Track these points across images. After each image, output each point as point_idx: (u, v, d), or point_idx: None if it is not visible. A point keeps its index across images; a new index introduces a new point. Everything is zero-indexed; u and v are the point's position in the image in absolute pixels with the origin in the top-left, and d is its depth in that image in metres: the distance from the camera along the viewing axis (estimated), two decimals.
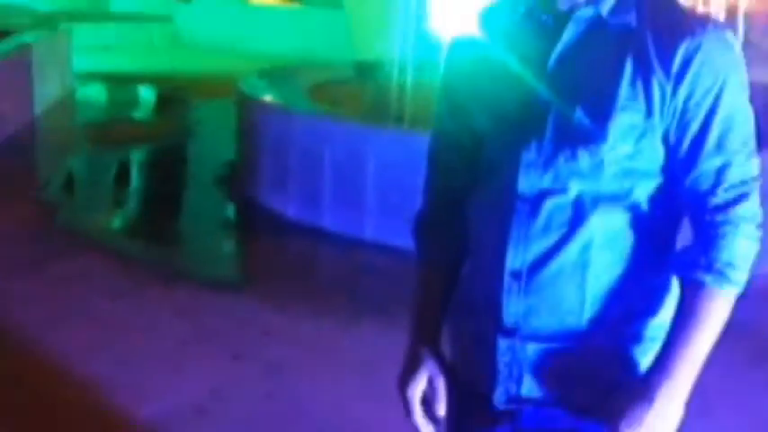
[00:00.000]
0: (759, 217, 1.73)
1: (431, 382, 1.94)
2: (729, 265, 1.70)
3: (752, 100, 1.75)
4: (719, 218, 1.71)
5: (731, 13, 8.69)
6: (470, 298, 1.91)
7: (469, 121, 1.87)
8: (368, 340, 4.75)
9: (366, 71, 8.89)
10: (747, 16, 8.93)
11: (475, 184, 1.89)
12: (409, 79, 7.62)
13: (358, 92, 8.36)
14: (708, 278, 1.70)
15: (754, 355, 4.71)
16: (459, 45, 1.94)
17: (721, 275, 1.70)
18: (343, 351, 4.66)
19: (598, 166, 1.70)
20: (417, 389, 1.94)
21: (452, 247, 1.97)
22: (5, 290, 5.21)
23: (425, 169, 2.04)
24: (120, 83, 12.93)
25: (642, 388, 1.72)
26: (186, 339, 4.72)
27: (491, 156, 1.83)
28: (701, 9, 8.24)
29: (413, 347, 1.98)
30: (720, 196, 1.71)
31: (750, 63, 1.77)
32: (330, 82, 8.37)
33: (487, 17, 1.90)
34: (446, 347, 1.99)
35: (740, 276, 1.71)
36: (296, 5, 17.76)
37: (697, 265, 1.71)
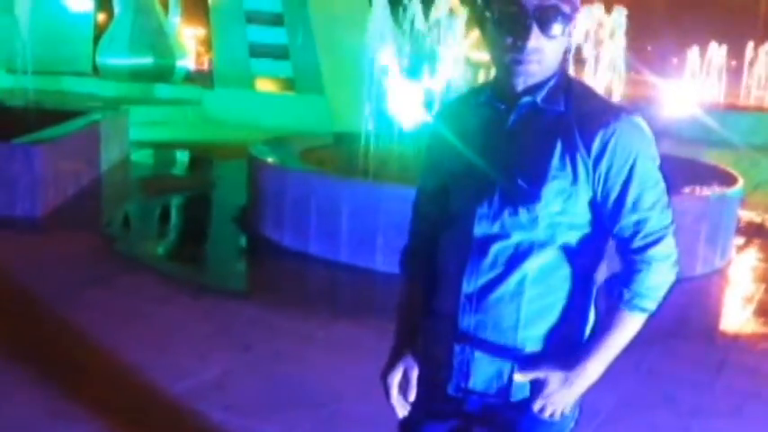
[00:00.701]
0: (674, 255, 1.70)
1: (405, 374, 1.90)
2: (642, 296, 1.68)
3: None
4: (637, 258, 1.68)
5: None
6: (437, 311, 1.84)
7: (443, 181, 1.83)
8: (343, 334, 4.71)
9: (342, 139, 8.89)
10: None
11: (442, 227, 1.85)
12: (373, 146, 7.63)
13: (336, 155, 8.35)
14: (622, 305, 1.68)
15: (627, 346, 4.69)
16: (440, 119, 1.89)
17: (632, 305, 1.68)
18: (325, 342, 4.60)
19: (534, 220, 1.66)
20: (395, 378, 1.90)
21: (425, 275, 1.91)
22: (79, 298, 5.11)
23: (411, 216, 1.99)
24: (163, 148, 12.83)
25: (562, 377, 1.69)
26: (209, 334, 4.64)
27: (455, 208, 1.78)
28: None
29: (395, 347, 1.93)
30: (637, 242, 1.67)
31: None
32: (315, 147, 8.35)
33: (447, 108, 1.89)
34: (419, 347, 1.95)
35: (649, 304, 1.69)
36: (290, 93, 17.78)
37: (617, 295, 1.69)
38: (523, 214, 1.66)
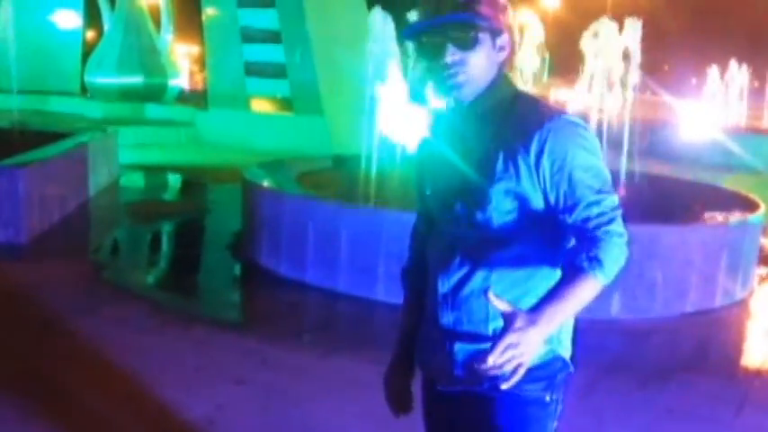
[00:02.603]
0: (626, 235, 1.85)
1: (404, 377, 2.19)
2: (602, 260, 1.80)
3: None
4: (598, 232, 1.82)
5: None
6: (426, 315, 2.06)
7: (428, 199, 2.06)
8: (340, 368, 4.72)
9: (341, 163, 8.94)
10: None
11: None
12: (374, 169, 7.68)
13: (335, 178, 8.40)
14: (585, 264, 1.80)
15: (639, 381, 4.69)
16: (421, 145, 2.12)
17: (596, 266, 1.80)
18: (322, 376, 4.61)
19: (488, 220, 1.87)
20: (395, 382, 2.20)
21: (421, 287, 2.12)
22: (65, 328, 5.15)
23: (410, 237, 2.24)
24: (154, 172, 12.90)
25: (527, 316, 1.74)
26: (200, 366, 4.65)
27: (434, 218, 2.05)
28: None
29: (396, 353, 2.22)
30: (596, 220, 1.83)
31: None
32: (313, 171, 8.41)
33: (431, 123, 2.09)
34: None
35: (608, 271, 1.81)
36: (288, 113, 17.89)
37: (579, 257, 1.82)
38: (479, 215, 1.88)
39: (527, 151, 1.83)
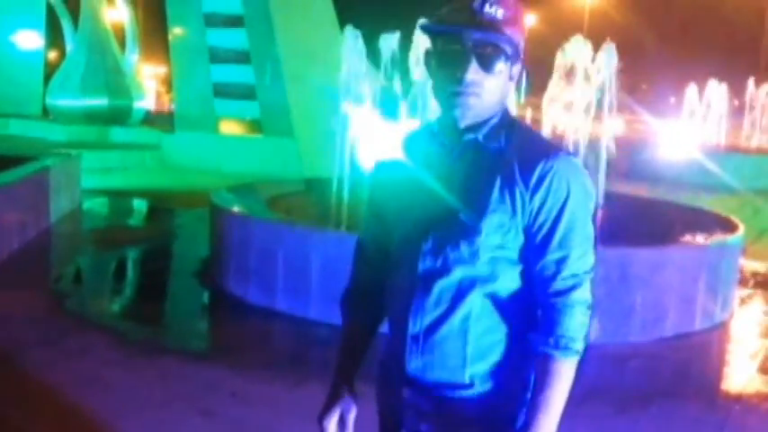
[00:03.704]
0: (590, 301, 1.84)
1: (342, 417, 2.00)
2: (570, 339, 1.80)
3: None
4: (559, 300, 1.81)
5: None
6: (388, 356, 1.98)
7: (387, 224, 1.96)
8: (313, 398, 4.68)
9: (312, 186, 8.97)
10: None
11: (387, 271, 1.98)
12: (346, 193, 7.71)
13: (306, 202, 8.42)
14: (555, 352, 1.80)
15: (617, 407, 4.74)
16: (382, 166, 2.03)
17: (566, 349, 1.80)
18: (294, 407, 4.59)
19: (475, 254, 1.80)
20: (332, 421, 2.00)
21: (366, 317, 2.08)
22: (24, 361, 5.10)
23: (352, 259, 2.12)
24: (119, 197, 12.86)
25: None
26: (166, 399, 4.62)
27: (399, 247, 1.92)
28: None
29: (333, 388, 2.04)
30: (560, 283, 1.81)
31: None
32: (283, 195, 8.41)
33: (403, 143, 2.01)
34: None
35: (579, 346, 1.82)
36: (257, 135, 17.91)
37: (546, 343, 1.80)
38: (465, 248, 1.81)
39: (526, 184, 1.79)
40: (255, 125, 18.10)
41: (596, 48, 8.70)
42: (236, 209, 7.25)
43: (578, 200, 1.81)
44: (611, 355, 5.57)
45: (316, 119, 14.09)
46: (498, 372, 1.85)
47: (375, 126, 8.86)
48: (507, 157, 1.82)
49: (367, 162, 8.07)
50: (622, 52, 8.82)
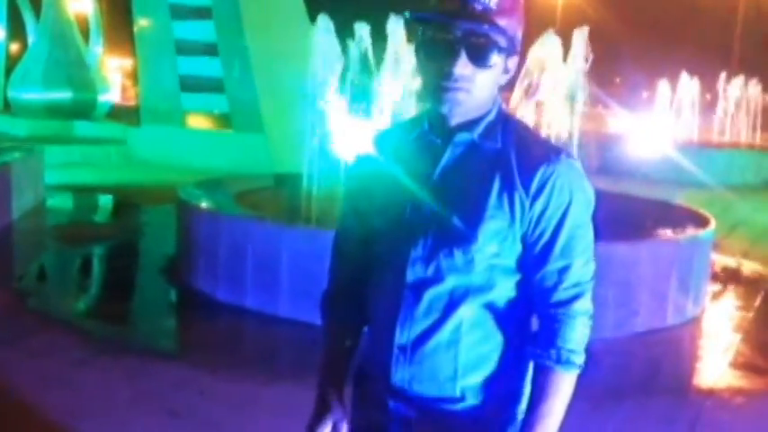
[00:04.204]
0: (591, 311, 1.79)
1: (335, 427, 1.89)
2: (572, 351, 1.75)
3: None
4: (560, 311, 1.75)
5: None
6: (368, 366, 1.90)
7: (368, 221, 1.86)
8: (284, 396, 4.70)
9: (281, 181, 8.95)
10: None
11: (369, 270, 1.89)
12: (316, 188, 7.70)
13: (275, 198, 8.40)
14: (556, 365, 1.75)
15: (590, 403, 4.77)
16: (363, 160, 1.92)
17: (567, 361, 1.75)
18: (262, 406, 4.60)
19: (470, 262, 1.72)
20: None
21: (351, 318, 1.96)
22: None
23: (330, 257, 2.03)
24: (83, 193, 12.74)
25: None
26: (133, 399, 4.60)
27: (384, 252, 1.82)
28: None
29: (321, 397, 1.92)
30: (559, 295, 1.75)
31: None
32: (252, 190, 8.39)
33: (382, 138, 1.92)
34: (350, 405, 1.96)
35: (580, 359, 1.77)
36: (226, 130, 17.81)
37: (546, 356, 1.75)
38: (459, 256, 1.72)
39: (526, 189, 1.71)
40: (224, 120, 17.99)
41: (568, 44, 8.77)
42: (203, 204, 7.22)
43: (580, 206, 1.74)
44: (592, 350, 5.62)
45: (285, 113, 14.03)
46: (490, 384, 1.79)
47: (346, 122, 8.85)
48: (505, 158, 1.73)
49: (338, 157, 8.07)
50: (595, 45, 8.89)
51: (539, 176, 1.71)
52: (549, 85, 8.53)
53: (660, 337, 6.26)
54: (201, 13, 17.44)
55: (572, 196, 1.73)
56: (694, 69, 23.08)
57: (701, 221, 7.42)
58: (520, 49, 1.78)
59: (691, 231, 7.12)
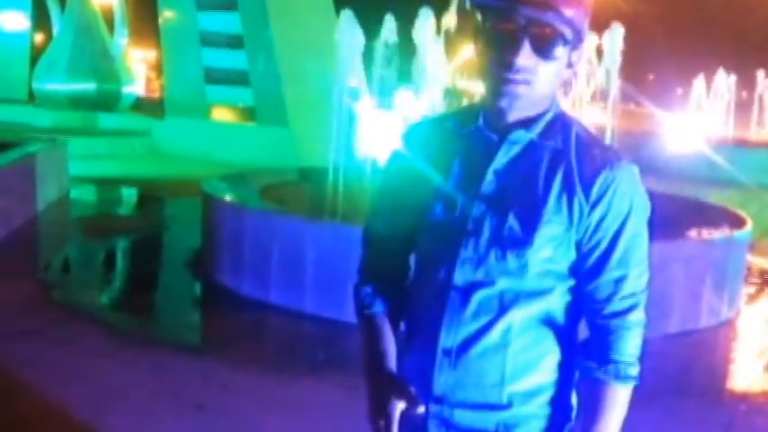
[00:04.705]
0: (645, 321, 1.75)
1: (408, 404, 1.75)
2: (629, 364, 1.72)
3: None
4: (615, 322, 1.72)
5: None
6: (403, 371, 1.82)
7: (407, 219, 1.80)
8: (308, 393, 4.74)
9: (307, 175, 8.98)
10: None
11: (405, 268, 1.88)
12: (341, 182, 7.72)
13: (300, 192, 8.43)
14: (614, 381, 1.72)
15: (651, 395, 4.77)
16: (403, 154, 1.85)
17: (622, 374, 1.72)
18: (288, 402, 4.63)
19: (523, 267, 1.67)
20: (397, 410, 1.71)
21: (390, 304, 1.90)
22: (13, 351, 5.13)
23: (361, 252, 1.97)
24: (108, 185, 12.86)
25: None
26: (156, 392, 4.66)
27: (429, 251, 1.78)
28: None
29: (375, 383, 1.79)
30: (617, 304, 1.72)
31: None
32: (277, 184, 8.42)
33: (423, 132, 1.85)
34: None
35: (636, 371, 1.73)
36: (250, 123, 17.89)
37: (602, 370, 1.72)
38: (512, 260, 1.67)
39: (586, 196, 1.66)
40: (248, 112, 18.07)
41: (601, 38, 8.71)
42: (228, 198, 7.25)
43: (639, 214, 1.70)
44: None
45: (311, 107, 14.09)
46: (538, 392, 1.75)
47: (372, 115, 8.86)
48: (566, 160, 1.68)
49: (364, 151, 8.08)
50: (628, 41, 8.83)
51: (600, 182, 1.67)
52: (581, 82, 8.49)
53: (694, 339, 6.22)
54: (227, 5, 17.50)
55: (632, 204, 1.69)
56: (731, 66, 22.82)
57: (737, 221, 7.35)
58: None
59: (726, 231, 7.05)
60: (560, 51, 1.64)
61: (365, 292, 1.93)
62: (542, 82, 1.64)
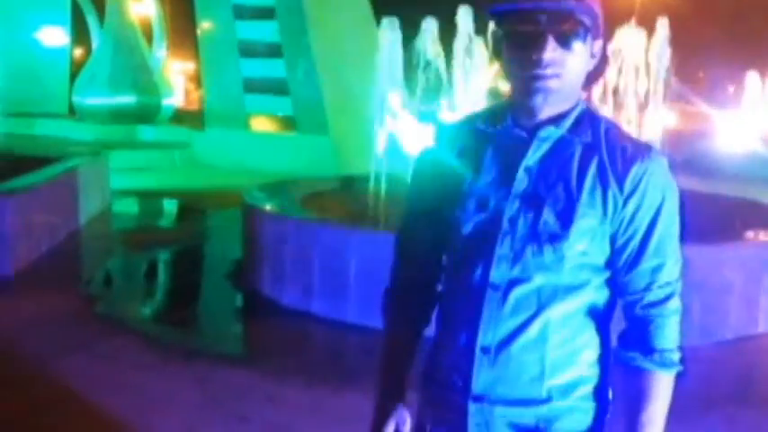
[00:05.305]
0: (681, 309, 1.81)
1: (397, 430, 1.94)
2: (670, 350, 1.78)
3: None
4: (654, 311, 1.78)
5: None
6: (439, 371, 1.88)
7: (440, 220, 1.85)
8: (353, 404, 4.73)
9: (348, 184, 9.02)
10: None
11: (436, 271, 1.93)
12: (383, 190, 7.74)
13: (341, 201, 8.46)
14: (659, 369, 1.77)
15: (675, 414, 4.70)
16: (433, 155, 1.91)
17: (667, 361, 1.77)
18: (332, 414, 4.64)
19: (560, 261, 1.72)
20: None
21: (413, 319, 2.00)
22: (59, 364, 5.23)
23: (393, 257, 2.04)
24: (149, 197, 13.03)
25: None
26: (201, 404, 4.71)
27: (464, 250, 1.82)
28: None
29: (381, 403, 1.97)
30: (655, 293, 1.77)
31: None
32: (318, 193, 8.47)
33: (452, 132, 1.91)
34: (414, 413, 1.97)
35: (678, 357, 1.78)
36: (290, 133, 17.99)
37: (647, 359, 1.77)
38: (548, 254, 1.72)
39: (620, 188, 1.72)
40: (288, 122, 18.17)
41: (649, 35, 8.62)
42: (269, 208, 7.31)
43: (672, 204, 1.77)
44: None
45: (351, 115, 14.15)
46: (577, 386, 1.80)
47: (413, 122, 8.88)
48: (597, 154, 1.74)
49: (406, 158, 8.09)
50: (677, 37, 8.72)
51: (632, 174, 1.72)
52: (630, 80, 8.41)
53: (750, 346, 6.11)
54: (265, 14, 17.64)
55: (665, 194, 1.75)
56: None
57: None
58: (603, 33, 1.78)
59: None
60: (582, 41, 1.70)
61: (390, 300, 2.02)
62: (571, 74, 1.71)
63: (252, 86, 18.27)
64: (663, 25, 8.68)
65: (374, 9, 17.70)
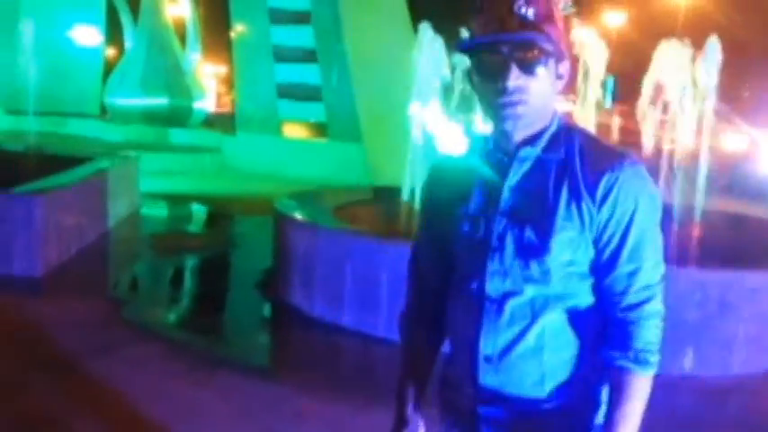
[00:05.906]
0: (663, 312, 1.91)
1: None
2: (648, 351, 1.87)
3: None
4: (632, 314, 1.88)
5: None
6: (453, 377, 2.05)
7: (442, 238, 2.03)
8: (383, 421, 4.70)
9: (382, 194, 9.01)
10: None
11: (446, 286, 2.05)
12: (417, 200, 7.72)
13: (374, 211, 8.45)
14: (634, 365, 1.87)
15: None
16: (434, 178, 2.11)
17: (645, 361, 1.87)
18: (360, 430, 4.62)
19: (546, 273, 1.87)
20: None
21: (429, 339, 2.14)
22: (81, 370, 5.26)
23: (407, 277, 2.18)
24: (178, 201, 13.12)
25: None
26: (226, 417, 4.71)
27: (462, 266, 1.99)
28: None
29: (399, 413, 2.12)
30: (632, 296, 1.88)
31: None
32: (350, 203, 8.47)
33: (449, 161, 2.11)
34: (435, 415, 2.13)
35: (655, 358, 1.89)
36: (323, 139, 18.04)
37: (624, 356, 1.87)
38: (535, 268, 1.87)
39: (592, 197, 1.85)
40: (321, 129, 18.24)
41: (693, 50, 8.51)
42: (300, 217, 7.31)
43: (646, 210, 1.87)
44: (710, 388, 5.46)
45: (385, 123, 14.15)
46: (576, 387, 1.93)
47: (448, 131, 8.85)
48: (570, 168, 1.88)
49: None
50: (721, 56, 8.61)
51: (603, 184, 1.84)
52: (674, 100, 8.32)
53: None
54: (301, 19, 17.73)
55: (637, 202, 1.86)
56: None
57: None
58: (569, 54, 1.91)
59: None
60: (545, 66, 1.83)
61: (406, 322, 2.18)
62: (536, 97, 1.84)
63: (285, 92, 18.36)
64: (714, 47, 8.55)
65: (412, 13, 17.69)
